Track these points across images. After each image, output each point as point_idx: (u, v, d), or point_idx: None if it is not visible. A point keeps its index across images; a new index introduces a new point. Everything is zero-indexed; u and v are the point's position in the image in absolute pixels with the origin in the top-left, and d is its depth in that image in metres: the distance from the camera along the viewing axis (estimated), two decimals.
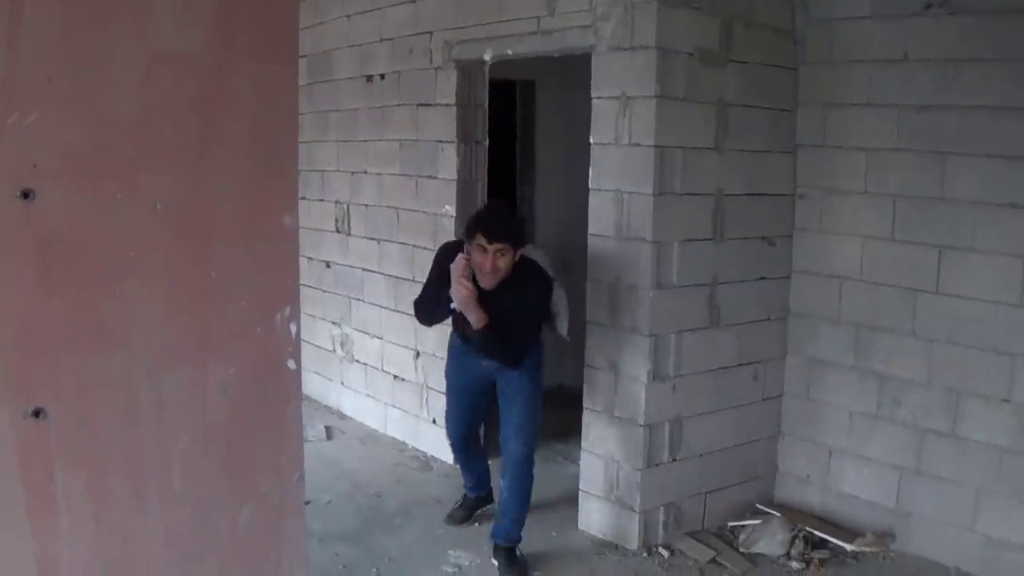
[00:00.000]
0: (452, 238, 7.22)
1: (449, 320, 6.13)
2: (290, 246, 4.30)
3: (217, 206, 4.03)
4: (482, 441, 6.90)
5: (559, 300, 5.99)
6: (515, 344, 5.76)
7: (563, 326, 5.99)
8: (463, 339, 6.07)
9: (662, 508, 6.16)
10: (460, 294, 5.51)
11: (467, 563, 5.78)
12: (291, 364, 4.37)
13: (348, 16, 8.40)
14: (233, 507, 4.26)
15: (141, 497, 4.04)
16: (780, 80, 6.37)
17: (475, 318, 5.56)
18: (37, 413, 3.69)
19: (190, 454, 4.12)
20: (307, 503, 4.84)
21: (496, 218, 5.58)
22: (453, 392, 6.41)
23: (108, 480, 3.94)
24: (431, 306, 5.98)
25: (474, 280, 5.55)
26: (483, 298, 5.56)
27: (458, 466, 6.84)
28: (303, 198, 8.80)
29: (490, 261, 5.47)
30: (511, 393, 6.00)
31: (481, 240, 5.46)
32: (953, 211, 5.82)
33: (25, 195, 3.54)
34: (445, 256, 5.81)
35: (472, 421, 6.48)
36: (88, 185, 3.70)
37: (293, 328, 4.31)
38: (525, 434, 5.95)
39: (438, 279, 5.82)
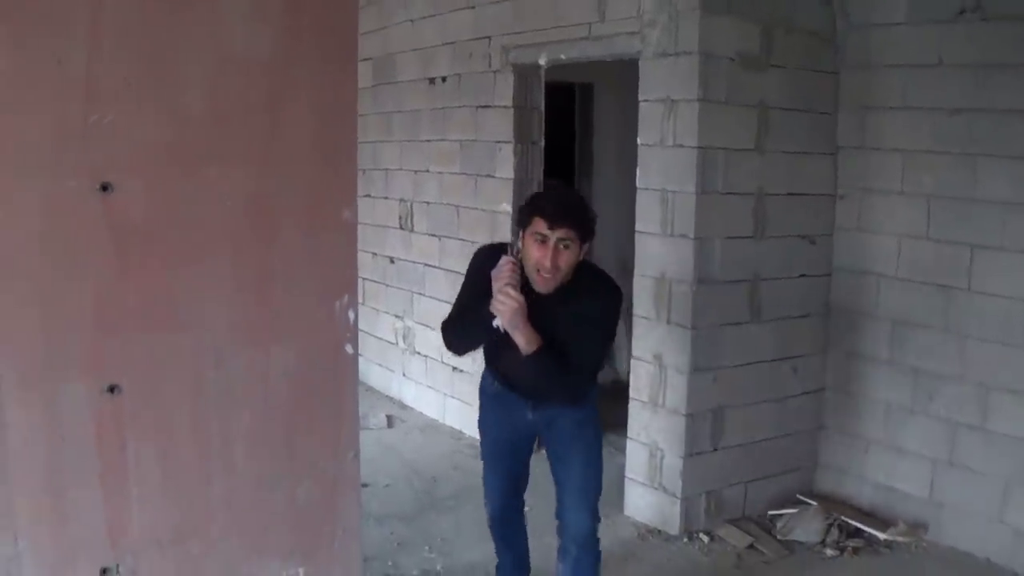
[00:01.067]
0: (509, 236, 7.50)
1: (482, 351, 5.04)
2: (348, 238, 4.65)
3: (281, 199, 4.38)
4: (526, 511, 5.36)
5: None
6: (575, 377, 4.60)
7: (621, 358, 5.13)
8: (502, 380, 4.91)
9: (703, 495, 6.38)
10: (506, 306, 4.34)
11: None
12: (348, 349, 4.71)
13: (412, 21, 8.70)
14: (291, 482, 4.60)
15: (205, 470, 4.39)
16: (820, 84, 6.57)
17: (524, 339, 4.40)
18: (112, 389, 4.05)
19: (252, 431, 4.46)
20: (366, 486, 5.22)
21: (560, 199, 4.45)
22: (491, 452, 5.16)
23: (175, 452, 4.30)
24: (465, 326, 4.76)
25: (524, 290, 4.41)
26: (535, 312, 4.41)
27: (493, 543, 5.43)
28: (368, 195, 9.13)
29: (550, 254, 4.31)
30: (566, 448, 4.87)
31: (540, 226, 4.32)
32: (984, 211, 5.99)
33: (104, 188, 3.90)
34: (484, 262, 4.62)
35: (517, 487, 5.21)
36: (162, 179, 4.06)
37: (351, 315, 4.66)
38: (590, 499, 4.83)
39: (474, 291, 4.68)
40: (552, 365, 4.47)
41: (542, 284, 4.42)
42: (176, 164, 4.17)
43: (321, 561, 4.85)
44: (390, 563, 5.76)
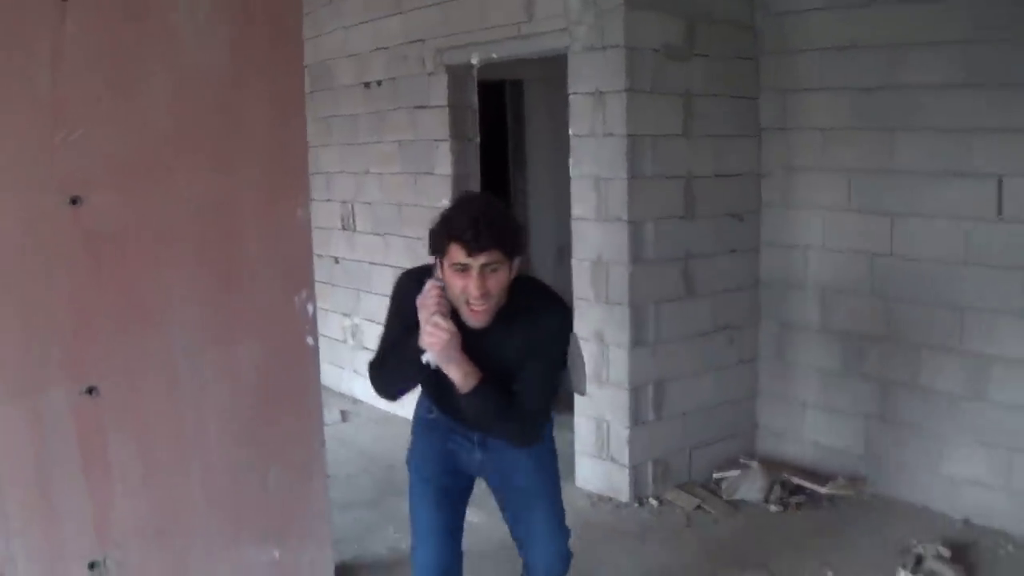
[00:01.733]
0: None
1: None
2: (304, 236, 4.99)
3: (240, 202, 4.73)
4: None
5: (573, 345, 4.14)
6: (524, 419, 3.93)
7: (581, 380, 4.31)
8: (443, 411, 4.23)
9: (650, 463, 6.67)
10: (435, 338, 3.70)
11: (475, 520, 6.31)
12: (310, 340, 5.05)
13: (345, 28, 8.95)
14: (263, 469, 4.94)
15: (183, 462, 4.72)
16: (742, 70, 6.89)
17: (460, 374, 3.78)
18: (91, 390, 4.39)
19: (224, 422, 4.81)
20: (328, 477, 5.44)
21: (476, 218, 3.62)
22: (425, 499, 4.29)
23: (154, 448, 4.63)
24: (394, 366, 4.00)
25: (455, 318, 3.76)
26: (472, 345, 3.79)
27: None
28: (311, 200, 9.40)
29: (475, 283, 3.63)
30: (524, 481, 4.26)
31: (457, 255, 3.62)
32: (902, 181, 6.31)
33: (73, 201, 4.20)
34: (408, 289, 3.96)
35: (455, 541, 4.31)
36: (130, 189, 4.38)
37: (310, 308, 5.00)
38: (559, 525, 4.32)
39: (400, 325, 3.98)
40: (495, 403, 3.84)
41: (473, 320, 3.74)
42: (142, 174, 4.49)
43: (294, 543, 5.17)
44: (357, 545, 6.01)
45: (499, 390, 3.84)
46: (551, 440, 4.36)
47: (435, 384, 4.03)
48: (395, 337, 4.03)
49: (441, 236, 3.70)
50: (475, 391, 3.81)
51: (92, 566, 4.62)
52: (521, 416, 3.90)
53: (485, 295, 3.67)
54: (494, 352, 3.84)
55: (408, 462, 4.45)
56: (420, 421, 4.45)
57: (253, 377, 4.94)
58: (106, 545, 4.65)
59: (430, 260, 3.88)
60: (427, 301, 3.73)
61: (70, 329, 4.42)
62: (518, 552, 4.40)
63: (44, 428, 4.43)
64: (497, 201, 3.87)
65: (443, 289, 3.73)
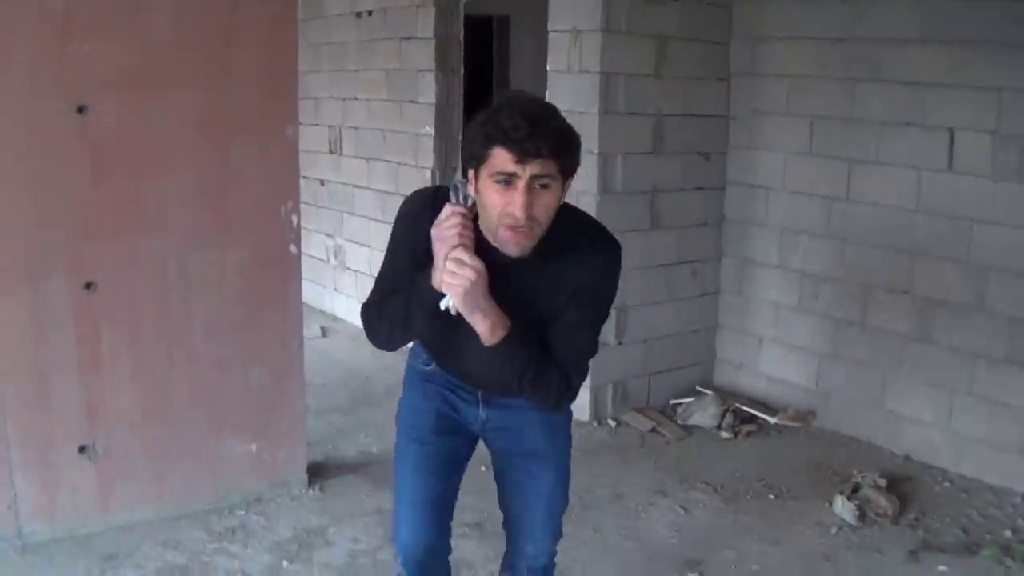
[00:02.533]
0: (430, 158, 8.12)
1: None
2: (291, 151, 5.36)
3: (234, 117, 5.09)
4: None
5: None
6: (563, 379, 3.16)
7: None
8: (446, 368, 3.48)
9: (610, 386, 7.02)
10: (459, 278, 2.90)
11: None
12: (292, 249, 5.43)
13: None
14: (245, 367, 5.33)
15: (170, 356, 5.11)
16: (715, 16, 7.18)
17: (487, 324, 3.02)
18: (89, 285, 4.75)
19: (210, 321, 5.18)
20: (306, 384, 5.79)
21: (531, 116, 2.81)
22: (413, 460, 3.56)
23: (144, 341, 5.02)
24: (398, 311, 3.17)
25: (478, 251, 2.97)
26: (498, 287, 3.00)
27: None
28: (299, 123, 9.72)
29: (522, 199, 2.81)
30: (531, 463, 3.57)
31: (503, 162, 2.81)
32: (861, 130, 6.61)
33: (80, 110, 4.54)
34: (418, 215, 3.14)
35: (443, 520, 3.64)
36: (131, 100, 4.75)
37: (294, 219, 5.36)
38: (556, 522, 3.70)
39: (406, 259, 3.18)
40: (526, 361, 3.09)
41: (512, 245, 2.93)
42: (143, 88, 4.87)
43: (271, 438, 5.57)
44: (330, 447, 6.36)
45: (532, 344, 3.09)
46: (568, 410, 3.57)
47: (443, 342, 3.33)
48: (398, 274, 3.20)
49: (482, 137, 2.86)
50: (503, 345, 3.05)
51: (82, 449, 5.01)
52: (557, 376, 3.14)
53: (532, 218, 2.85)
54: (525, 295, 3.08)
55: (397, 418, 3.65)
56: (413, 372, 3.60)
57: (238, 280, 5.31)
58: (96, 430, 5.04)
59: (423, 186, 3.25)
60: (447, 231, 2.93)
61: (72, 228, 4.81)
62: (504, 529, 3.79)
63: (44, 318, 4.82)
64: (551, 104, 3.04)
65: (466, 216, 2.95)
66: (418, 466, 3.53)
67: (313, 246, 9.74)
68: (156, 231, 5.00)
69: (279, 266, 5.43)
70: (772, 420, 7.00)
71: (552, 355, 3.13)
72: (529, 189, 2.81)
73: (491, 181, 2.86)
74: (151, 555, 5.01)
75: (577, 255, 3.10)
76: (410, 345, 3.62)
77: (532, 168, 2.78)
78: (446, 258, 2.91)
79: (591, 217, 3.34)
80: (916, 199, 6.40)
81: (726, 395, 7.32)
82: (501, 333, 3.03)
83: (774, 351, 7.35)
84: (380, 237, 8.75)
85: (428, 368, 3.52)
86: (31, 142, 4.62)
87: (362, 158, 9.21)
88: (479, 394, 3.47)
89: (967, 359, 6.27)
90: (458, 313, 3.01)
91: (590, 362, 3.31)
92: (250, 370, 5.42)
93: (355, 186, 9.33)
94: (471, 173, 2.97)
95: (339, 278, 9.69)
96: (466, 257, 2.89)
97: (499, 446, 3.60)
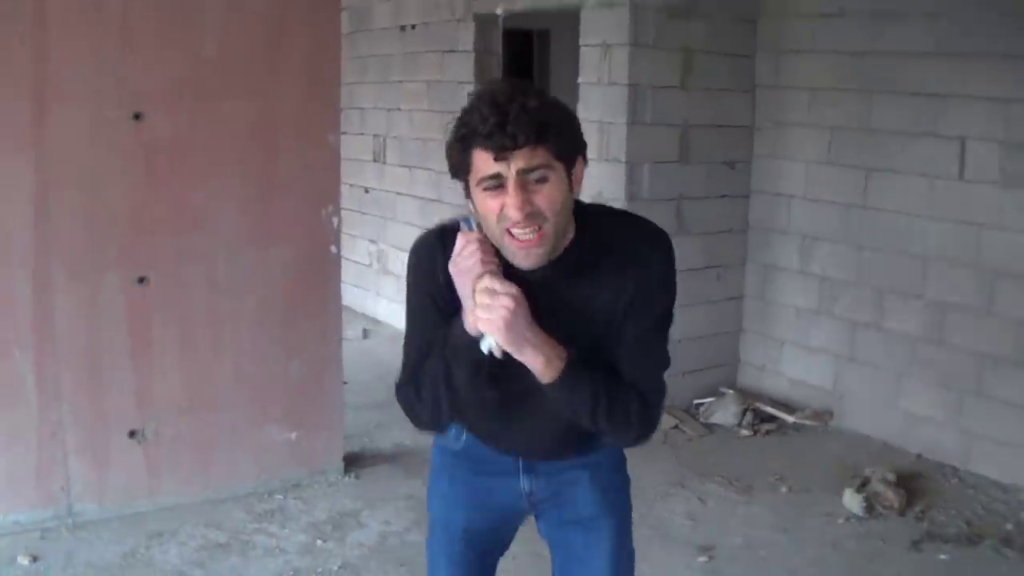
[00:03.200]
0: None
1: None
2: (333, 158, 5.73)
3: (278, 125, 5.49)
4: None
5: None
6: (642, 397, 2.63)
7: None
8: (485, 436, 2.92)
9: None
10: (494, 311, 2.43)
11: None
12: (333, 249, 5.78)
13: None
14: (287, 360, 5.71)
15: (217, 347, 5.49)
16: (741, 30, 7.48)
17: (540, 355, 2.51)
18: (142, 280, 5.15)
19: (255, 316, 5.56)
20: (346, 383, 6.16)
21: (500, 103, 2.38)
22: (446, 554, 3.14)
23: (192, 333, 5.42)
24: (436, 378, 2.64)
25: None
26: (537, 311, 2.51)
27: None
28: (344, 132, 10.03)
29: (515, 196, 2.38)
30: (583, 533, 3.01)
31: (484, 163, 2.39)
32: (878, 139, 6.87)
33: (136, 116, 4.93)
34: (431, 261, 2.69)
35: None
36: (183, 109, 5.16)
37: (335, 221, 5.71)
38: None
39: (430, 318, 2.71)
40: (596, 388, 2.59)
41: (522, 254, 2.47)
42: (194, 97, 5.29)
43: (311, 427, 5.93)
44: (367, 439, 6.68)
45: (597, 367, 2.61)
46: (622, 455, 3.10)
47: (484, 394, 2.73)
48: (427, 337, 2.71)
49: (457, 144, 2.47)
50: (565, 377, 2.54)
51: (132, 434, 5.38)
52: (635, 400, 2.63)
53: (532, 215, 2.41)
54: (569, 315, 2.62)
55: (429, 504, 3.20)
56: (443, 454, 3.10)
57: (282, 278, 5.68)
58: (145, 417, 5.42)
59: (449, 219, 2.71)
60: (466, 260, 2.52)
61: (127, 226, 5.21)
62: None
63: (99, 308, 5.22)
64: (533, 86, 2.57)
65: (483, 241, 2.53)
66: (451, 560, 3.11)
67: (357, 251, 10.11)
68: (205, 230, 5.39)
69: (320, 265, 5.79)
70: (790, 419, 7.26)
71: (621, 377, 2.63)
72: (522, 186, 2.38)
73: (481, 190, 2.43)
74: (194, 533, 5.36)
75: (621, 260, 2.63)
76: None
77: (517, 162, 2.36)
78: (474, 292, 2.46)
79: (626, 212, 2.89)
80: (929, 206, 6.64)
81: (748, 396, 7.59)
82: (559, 364, 2.52)
83: (795, 353, 7.61)
84: None
85: (459, 446, 2.97)
86: (91, 146, 5.04)
87: (405, 166, 9.55)
88: (520, 464, 2.93)
89: (977, 360, 6.49)
90: (504, 354, 2.51)
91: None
92: (291, 363, 5.78)
93: (398, 193, 9.68)
94: (464, 188, 2.54)
95: (381, 282, 10.04)
96: (496, 284, 2.43)
97: (549, 517, 3.04)
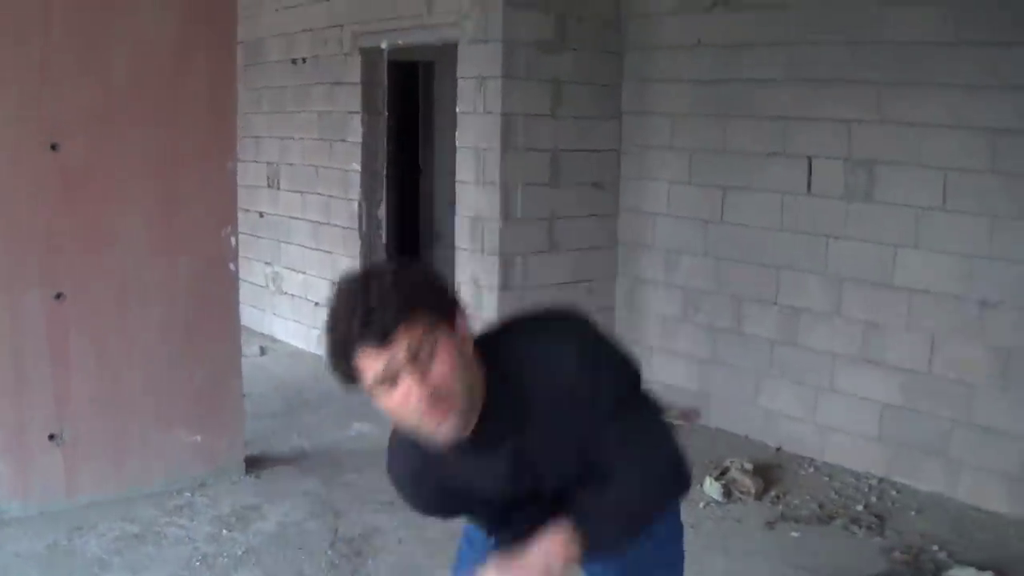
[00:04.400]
0: (358, 191, 8.99)
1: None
2: (231, 181, 6.27)
3: (182, 151, 6.06)
4: None
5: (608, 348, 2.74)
6: (653, 461, 2.69)
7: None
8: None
9: None
10: None
11: (367, 430, 7.25)
12: (232, 266, 6.30)
13: (276, 10, 10.06)
14: (192, 365, 6.21)
15: (128, 354, 6.02)
16: (608, 62, 8.06)
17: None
18: (59, 295, 5.65)
19: (162, 324, 6.09)
20: (244, 396, 6.58)
21: (356, 299, 2.28)
22: None
23: (106, 342, 5.95)
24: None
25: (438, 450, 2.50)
26: (501, 468, 2.58)
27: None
28: (240, 160, 10.46)
29: (416, 389, 2.28)
30: None
31: (371, 365, 2.28)
32: (732, 160, 7.46)
33: (53, 147, 5.41)
34: (418, 470, 2.66)
35: None
36: (96, 137, 5.74)
37: (233, 240, 6.23)
38: None
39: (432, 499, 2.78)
40: (618, 511, 2.62)
41: (445, 434, 2.40)
42: (106, 126, 5.85)
43: (214, 430, 6.42)
44: (266, 444, 7.10)
45: (607, 492, 2.60)
46: (676, 517, 3.12)
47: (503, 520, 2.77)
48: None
49: (333, 358, 2.36)
50: (591, 547, 2.56)
51: (51, 437, 5.83)
52: (650, 478, 2.67)
53: (440, 400, 2.31)
54: (533, 460, 2.58)
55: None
56: (470, 545, 3.09)
57: (186, 293, 6.16)
58: (63, 420, 5.86)
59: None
60: None
61: (45, 246, 5.70)
62: None
63: (20, 321, 5.68)
64: (380, 264, 2.58)
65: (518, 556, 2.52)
66: None
67: (253, 273, 10.46)
68: (115, 249, 5.87)
69: (220, 281, 6.30)
70: None
71: (629, 466, 2.61)
72: (415, 370, 2.27)
73: (380, 393, 2.33)
74: (111, 527, 5.80)
75: (546, 381, 2.49)
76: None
77: (399, 350, 2.25)
78: None
79: (525, 319, 2.71)
80: (780, 219, 7.22)
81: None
82: (580, 542, 2.53)
83: (663, 359, 8.11)
84: (314, 264, 9.57)
85: (491, 544, 2.85)
86: (11, 173, 5.51)
87: (297, 191, 9.98)
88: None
89: (828, 359, 7.07)
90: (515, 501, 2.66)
91: None
92: (195, 370, 6.24)
93: (291, 217, 10.10)
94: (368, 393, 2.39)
95: (276, 302, 10.47)
96: None
97: None
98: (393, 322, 2.23)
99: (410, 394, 2.27)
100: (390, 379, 2.27)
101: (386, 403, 2.34)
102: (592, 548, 2.54)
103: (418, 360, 2.26)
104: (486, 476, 2.58)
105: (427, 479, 2.64)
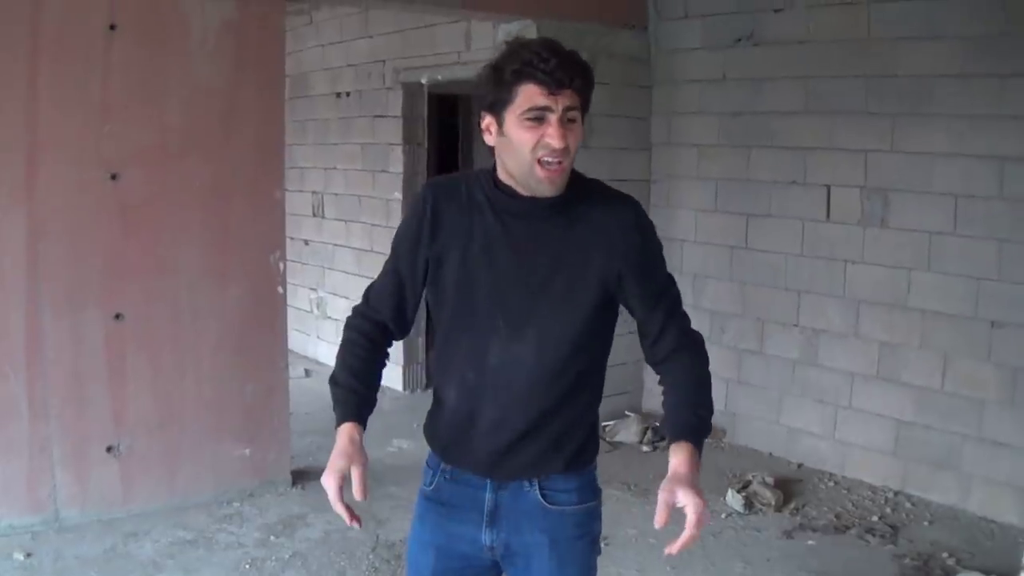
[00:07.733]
0: (399, 219, 9.26)
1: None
2: (279, 210, 6.66)
3: (233, 183, 6.49)
4: None
5: None
6: (693, 333, 3.14)
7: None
8: (457, 451, 3.02)
9: None
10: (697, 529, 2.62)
11: (406, 447, 7.56)
12: (280, 290, 6.69)
13: (322, 46, 10.46)
14: (242, 383, 6.58)
15: (182, 372, 6.43)
16: (637, 96, 8.40)
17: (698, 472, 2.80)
18: (118, 316, 6.12)
19: (214, 344, 6.48)
20: (291, 413, 6.90)
21: (558, 51, 2.64)
22: None
23: (161, 361, 6.37)
24: (339, 376, 3.18)
25: (504, 197, 2.83)
26: (539, 236, 2.82)
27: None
28: (286, 190, 10.84)
29: (559, 132, 2.63)
30: (549, 556, 3.02)
31: (536, 96, 2.61)
32: (756, 188, 7.76)
33: (113, 177, 5.84)
34: (446, 200, 2.89)
35: None
36: (152, 170, 6.21)
37: (281, 265, 6.62)
38: None
39: (402, 247, 3.00)
40: (699, 392, 3.07)
41: (547, 183, 2.72)
42: (161, 160, 6.26)
43: (262, 443, 6.77)
44: (311, 459, 7.38)
45: (679, 391, 3.09)
46: (590, 517, 3.31)
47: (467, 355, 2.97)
48: (394, 267, 3.05)
49: (509, 76, 2.63)
50: (701, 436, 2.99)
51: (109, 449, 6.20)
52: (690, 346, 3.14)
53: (564, 154, 2.67)
54: (547, 251, 2.84)
55: (412, 563, 3.21)
56: (420, 497, 3.18)
57: (236, 313, 6.54)
58: (120, 433, 6.24)
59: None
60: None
61: (105, 270, 6.10)
62: None
63: (81, 340, 6.07)
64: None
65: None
66: None
67: (298, 299, 10.79)
68: (170, 272, 6.26)
69: (268, 302, 6.67)
70: None
71: (665, 330, 3.05)
72: (561, 122, 2.63)
73: (521, 120, 2.63)
74: (165, 533, 6.15)
75: (600, 205, 2.92)
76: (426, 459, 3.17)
77: (564, 100, 2.62)
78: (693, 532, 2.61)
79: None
80: (801, 245, 7.51)
81: (650, 418, 8.35)
82: (697, 448, 2.93)
83: None
84: (358, 289, 9.82)
85: (430, 488, 3.09)
86: (75, 202, 5.93)
87: (341, 220, 10.32)
88: (485, 516, 2.98)
89: (846, 378, 7.34)
90: (499, 361, 2.90)
91: None
92: (245, 386, 6.61)
93: (335, 245, 10.45)
94: (488, 121, 2.74)
95: (321, 326, 10.79)
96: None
97: (516, 568, 3.04)
98: (575, 81, 2.64)
99: (552, 136, 2.62)
100: (539, 116, 2.63)
101: (517, 132, 2.66)
102: (708, 433, 2.94)
103: (565, 119, 2.64)
104: (508, 252, 2.84)
105: (453, 209, 2.87)
